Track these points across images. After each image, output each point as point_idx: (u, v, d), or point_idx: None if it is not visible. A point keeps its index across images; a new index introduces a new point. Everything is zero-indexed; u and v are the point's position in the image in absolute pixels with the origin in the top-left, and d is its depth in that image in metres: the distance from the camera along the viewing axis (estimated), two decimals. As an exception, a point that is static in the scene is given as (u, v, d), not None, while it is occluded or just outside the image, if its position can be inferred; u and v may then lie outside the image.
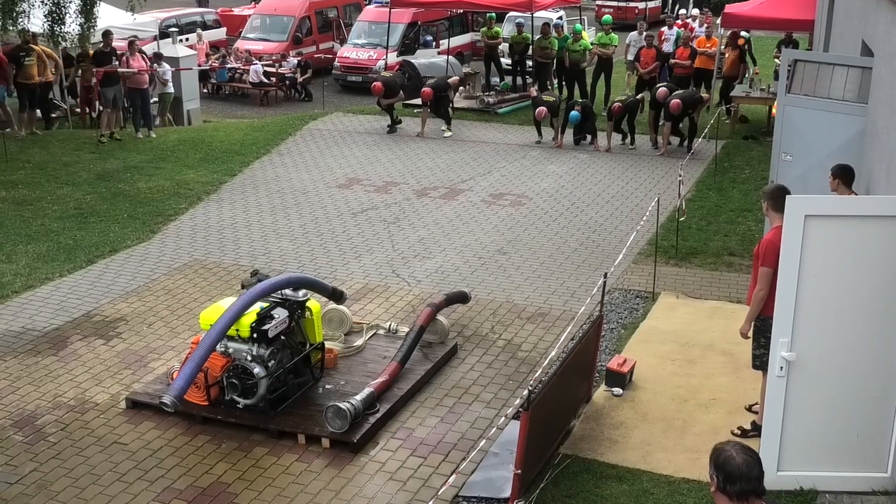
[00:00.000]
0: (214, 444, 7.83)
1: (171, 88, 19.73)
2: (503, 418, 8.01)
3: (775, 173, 10.94)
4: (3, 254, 12.09)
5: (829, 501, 6.85)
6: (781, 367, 6.77)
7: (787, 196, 6.71)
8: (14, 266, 11.66)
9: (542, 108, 17.19)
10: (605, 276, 8.68)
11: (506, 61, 23.43)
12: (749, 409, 8.07)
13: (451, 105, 19.31)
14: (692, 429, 7.91)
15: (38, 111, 19.21)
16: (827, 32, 15.40)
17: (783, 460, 6.92)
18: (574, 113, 16.86)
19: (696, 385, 8.64)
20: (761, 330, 7.36)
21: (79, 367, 9.15)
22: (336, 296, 9.36)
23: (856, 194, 8.04)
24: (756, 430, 7.49)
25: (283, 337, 8.25)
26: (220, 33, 29.32)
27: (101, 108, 18.90)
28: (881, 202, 6.85)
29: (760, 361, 7.41)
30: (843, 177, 8.00)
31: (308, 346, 8.54)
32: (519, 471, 6.70)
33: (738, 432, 7.72)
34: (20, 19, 16.82)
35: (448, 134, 18.66)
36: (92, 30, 18.36)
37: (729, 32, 19.69)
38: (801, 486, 6.91)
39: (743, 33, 20.10)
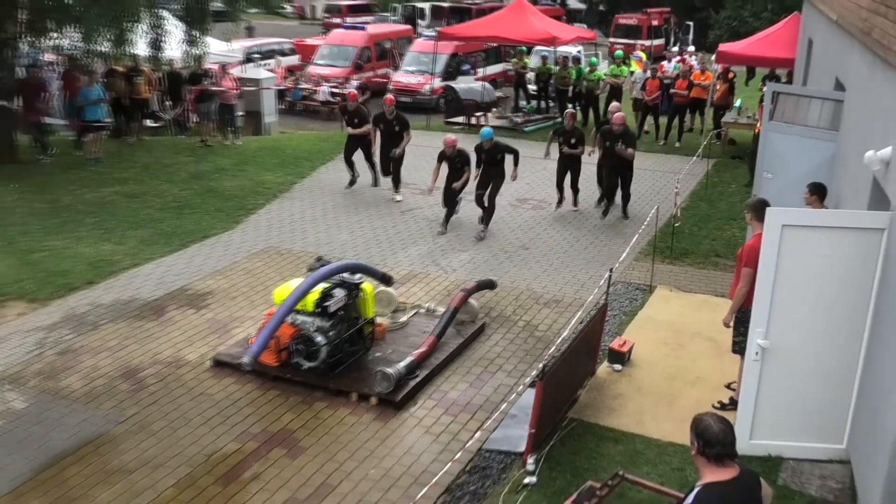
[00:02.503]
0: (283, 398, 7.93)
1: None
2: (521, 386, 8.03)
3: (758, 188, 10.84)
4: (116, 237, 12.26)
5: (793, 467, 6.82)
6: (757, 353, 6.74)
7: (768, 208, 6.67)
8: (124, 247, 11.83)
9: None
10: (611, 270, 8.66)
11: (532, 87, 23.37)
12: (728, 386, 8.03)
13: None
14: (679, 402, 7.89)
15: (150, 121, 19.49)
16: (806, 69, 15.22)
17: (755, 431, 6.89)
18: (486, 130, 12.62)
19: (684, 365, 8.61)
20: (741, 320, 7.32)
21: (174, 331, 9.28)
22: (385, 280, 9.43)
23: (827, 208, 7.96)
24: (733, 404, 7.45)
25: (341, 312, 8.32)
26: (294, 59, 29.47)
27: (196, 119, 19.12)
28: (848, 216, 6.78)
29: (739, 347, 7.37)
30: (819, 193, 7.92)
31: (361, 320, 8.60)
32: (533, 430, 6.73)
33: (718, 406, 7.69)
34: (129, 47, 16.97)
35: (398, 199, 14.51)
36: (204, 55, 18.55)
37: (721, 68, 19.50)
38: (770, 454, 6.88)
39: (733, 68, 19.91)
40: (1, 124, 16.10)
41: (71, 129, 17.64)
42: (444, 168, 12.69)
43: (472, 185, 12.75)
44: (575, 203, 13.96)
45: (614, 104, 15.10)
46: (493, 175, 12.63)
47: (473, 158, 12.68)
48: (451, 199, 12.79)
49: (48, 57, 17.38)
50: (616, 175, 13.42)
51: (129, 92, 18.13)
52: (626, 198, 13.63)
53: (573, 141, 13.41)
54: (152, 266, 11.18)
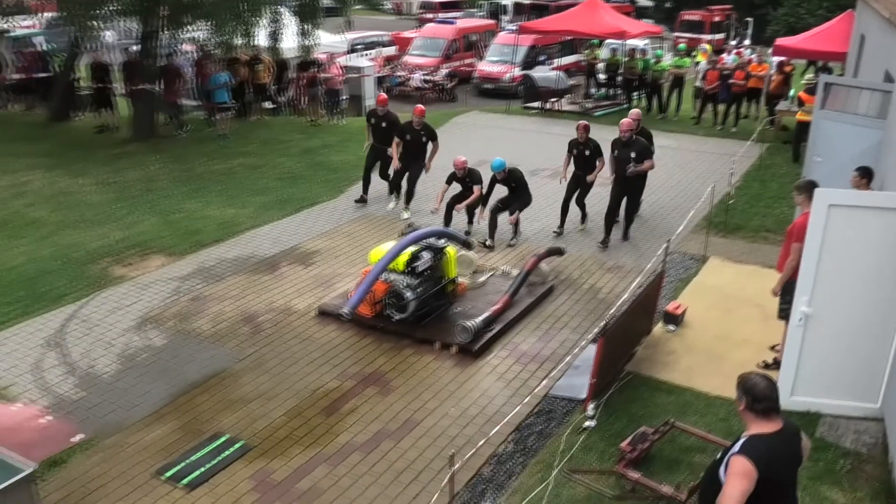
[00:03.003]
0: (376, 345, 8.07)
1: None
2: (585, 341, 7.99)
3: (807, 171, 10.42)
4: (239, 202, 12.59)
5: (830, 423, 6.62)
6: (801, 319, 6.55)
7: (816, 189, 6.42)
8: (246, 211, 12.14)
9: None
10: (668, 241, 8.49)
11: (602, 76, 22.85)
12: (772, 348, 7.82)
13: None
14: (727, 360, 7.72)
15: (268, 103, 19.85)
16: (857, 63, 14.47)
17: (796, 388, 6.71)
18: (497, 161, 10.58)
19: (733, 328, 8.41)
20: (787, 290, 7.09)
21: (286, 284, 9.51)
22: (467, 245, 9.45)
23: (872, 190, 7.61)
24: (776, 364, 7.26)
25: (427, 272, 8.39)
26: (392, 50, 29.43)
27: (307, 102, 19.39)
28: (891, 197, 6.48)
29: (785, 313, 7.15)
30: (867, 176, 7.56)
31: (445, 279, 8.66)
32: (594, 380, 6.70)
33: (763, 365, 7.51)
34: (252, 38, 17.29)
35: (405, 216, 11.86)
36: (314, 46, 18.75)
37: (778, 60, 18.68)
38: (809, 410, 6.69)
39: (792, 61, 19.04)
40: (145, 105, 16.67)
41: (202, 109, 18.12)
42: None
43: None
44: (583, 220, 11.58)
45: (634, 111, 11.87)
46: (513, 199, 10.85)
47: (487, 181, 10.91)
48: (450, 212, 11.00)
49: (184, 47, 17.85)
50: (620, 194, 10.84)
51: (251, 77, 18.49)
52: (628, 217, 11.13)
53: (587, 153, 11.13)
54: (269, 227, 11.45)
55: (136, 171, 14.31)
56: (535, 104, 21.19)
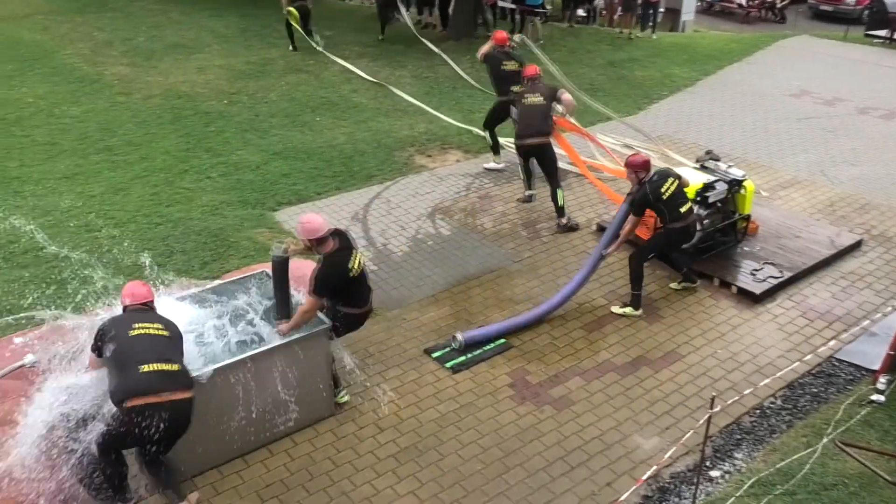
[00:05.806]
0: (651, 270, 7.65)
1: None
2: (890, 308, 7.01)
3: None
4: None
5: None
6: None
7: None
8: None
9: None
10: None
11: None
12: None
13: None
14: None
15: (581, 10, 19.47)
16: None
17: None
18: None
19: None
20: None
21: (569, 195, 9.32)
22: None
23: None
24: None
25: (719, 204, 7.85)
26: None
27: (620, 12, 18.67)
28: None
29: None
30: None
31: (738, 215, 8.04)
32: (893, 352, 5.89)
33: None
34: None
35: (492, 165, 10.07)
36: None
37: None
38: None
39: None
40: (467, 5, 17.18)
41: (516, 12, 18.25)
42: None
43: None
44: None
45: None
46: None
47: None
48: None
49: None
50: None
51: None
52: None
53: None
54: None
55: (447, 68, 14.94)
56: (882, 32, 18.30)
